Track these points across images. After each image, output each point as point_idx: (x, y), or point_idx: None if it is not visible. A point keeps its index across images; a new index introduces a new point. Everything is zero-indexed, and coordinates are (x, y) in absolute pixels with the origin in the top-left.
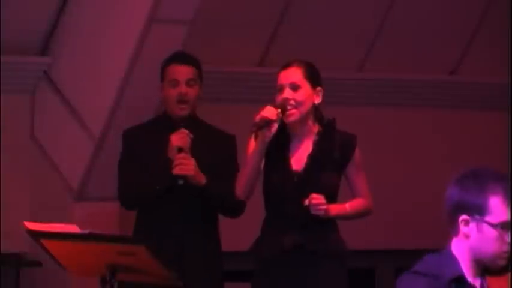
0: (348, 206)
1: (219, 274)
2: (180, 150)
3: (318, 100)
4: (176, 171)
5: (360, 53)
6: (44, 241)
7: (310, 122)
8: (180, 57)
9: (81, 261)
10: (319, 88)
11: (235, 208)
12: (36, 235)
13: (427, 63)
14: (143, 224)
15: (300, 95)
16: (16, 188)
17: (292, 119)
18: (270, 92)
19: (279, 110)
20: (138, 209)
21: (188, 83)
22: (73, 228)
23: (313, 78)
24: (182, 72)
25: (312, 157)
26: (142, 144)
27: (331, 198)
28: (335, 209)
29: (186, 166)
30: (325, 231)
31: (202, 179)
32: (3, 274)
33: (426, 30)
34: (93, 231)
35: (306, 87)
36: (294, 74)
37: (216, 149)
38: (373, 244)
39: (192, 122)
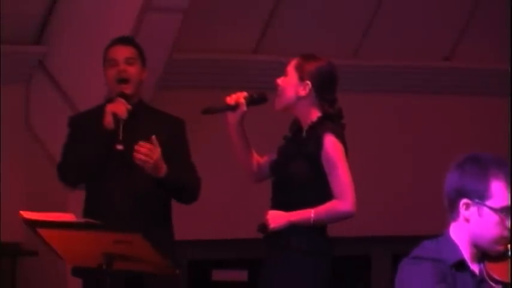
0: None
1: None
2: (116, 117)
3: (302, 93)
4: (137, 157)
5: (355, 39)
6: (40, 230)
7: (302, 115)
8: (118, 39)
9: (78, 250)
10: (307, 82)
11: (190, 198)
12: (32, 224)
13: (422, 49)
14: (89, 201)
15: (284, 81)
16: (12, 177)
17: (276, 107)
18: (264, 80)
19: (243, 97)
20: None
21: (127, 62)
22: (69, 217)
23: (303, 71)
24: (120, 51)
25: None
26: (87, 129)
27: (301, 189)
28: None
29: (147, 154)
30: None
31: (161, 172)
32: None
33: (421, 16)
34: (89, 220)
35: (292, 76)
36: (290, 62)
37: (167, 132)
38: (369, 230)
39: (140, 107)
